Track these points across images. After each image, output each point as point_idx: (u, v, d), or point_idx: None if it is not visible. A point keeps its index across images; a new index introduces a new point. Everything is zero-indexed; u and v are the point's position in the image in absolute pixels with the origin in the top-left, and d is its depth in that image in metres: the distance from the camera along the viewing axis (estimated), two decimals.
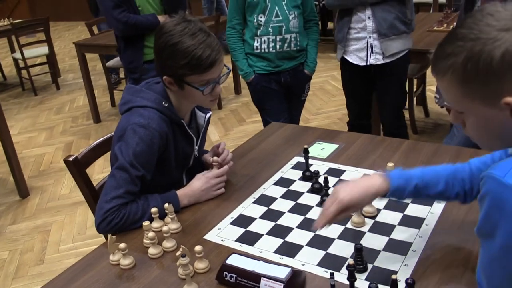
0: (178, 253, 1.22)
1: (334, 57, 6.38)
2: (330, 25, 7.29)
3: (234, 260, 1.24)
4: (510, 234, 0.87)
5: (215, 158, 1.68)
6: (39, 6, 11.08)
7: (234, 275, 1.21)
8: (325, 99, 4.94)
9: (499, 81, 0.87)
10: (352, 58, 2.81)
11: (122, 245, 1.33)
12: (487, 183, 0.89)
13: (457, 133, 2.56)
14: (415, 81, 4.07)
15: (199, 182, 1.63)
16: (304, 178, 1.71)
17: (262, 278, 1.17)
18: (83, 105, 5.48)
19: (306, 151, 1.71)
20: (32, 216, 3.42)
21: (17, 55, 6.03)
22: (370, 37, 2.71)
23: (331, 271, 1.13)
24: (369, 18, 2.67)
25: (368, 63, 2.77)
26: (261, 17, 2.67)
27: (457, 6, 4.58)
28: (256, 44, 2.73)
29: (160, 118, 1.57)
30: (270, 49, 2.72)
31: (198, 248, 1.27)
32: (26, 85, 6.40)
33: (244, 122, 4.60)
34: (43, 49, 6.12)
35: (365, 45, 2.73)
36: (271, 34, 2.68)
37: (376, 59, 2.75)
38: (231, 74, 5.32)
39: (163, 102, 1.59)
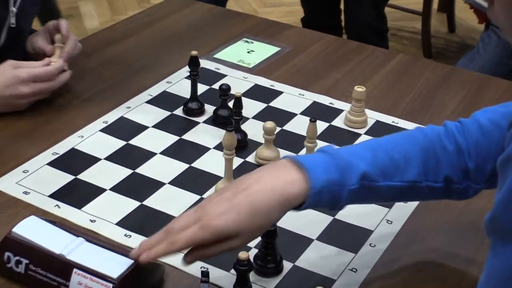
0: None
1: None
2: None
3: (28, 231, 0.56)
4: None
5: (58, 37, 0.89)
6: None
7: (25, 261, 0.54)
8: None
9: None
10: None
11: None
12: None
13: (482, 51, 1.56)
14: None
15: (3, 77, 0.82)
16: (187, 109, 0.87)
17: (74, 269, 0.52)
18: None
19: (194, 62, 0.85)
20: None
21: None
22: None
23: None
24: None
25: None
26: None
27: None
28: None
29: None
30: None
31: None
32: None
33: (147, 3, 2.50)
34: None
35: None
36: None
37: None
38: None
39: None
